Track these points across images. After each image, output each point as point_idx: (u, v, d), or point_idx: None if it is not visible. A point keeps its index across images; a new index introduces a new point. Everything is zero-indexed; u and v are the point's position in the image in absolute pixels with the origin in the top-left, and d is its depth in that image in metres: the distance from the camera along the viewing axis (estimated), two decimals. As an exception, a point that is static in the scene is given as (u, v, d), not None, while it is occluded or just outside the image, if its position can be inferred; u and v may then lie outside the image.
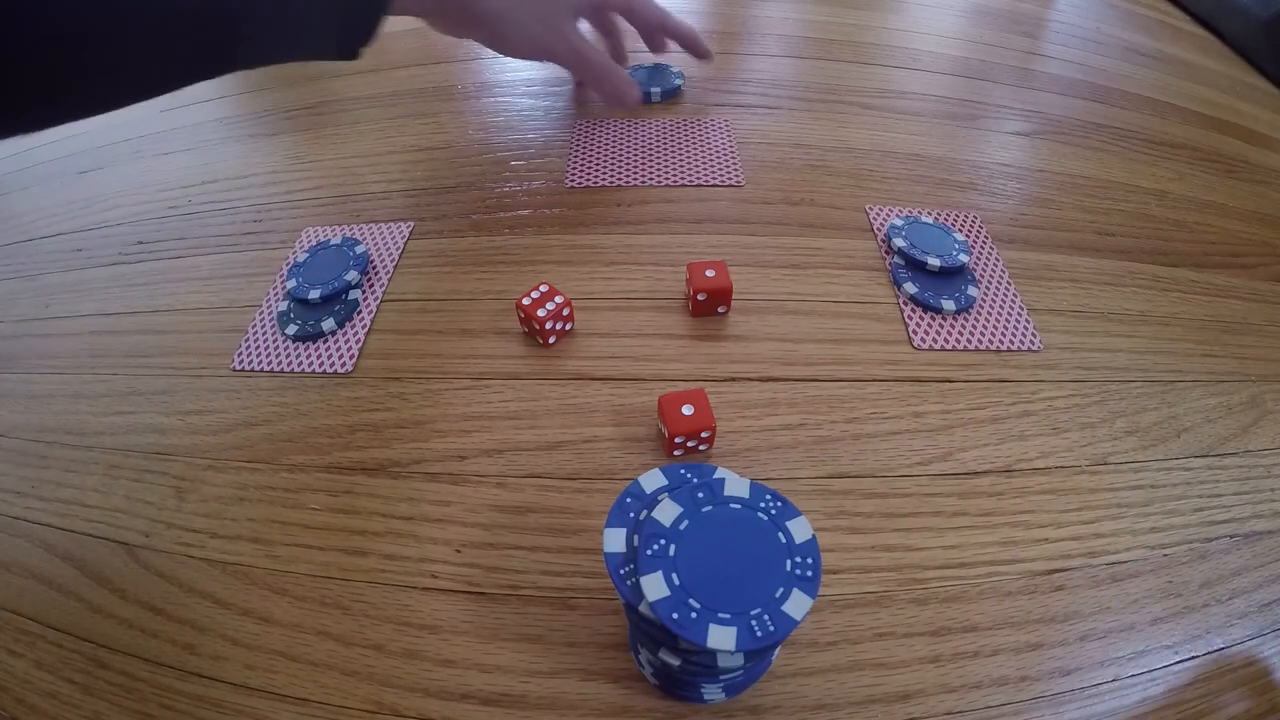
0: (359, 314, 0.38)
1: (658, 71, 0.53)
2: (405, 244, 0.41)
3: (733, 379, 0.34)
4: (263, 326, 0.37)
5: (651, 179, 0.45)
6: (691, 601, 0.19)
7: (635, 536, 0.21)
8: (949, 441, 0.32)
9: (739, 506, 0.21)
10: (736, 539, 0.21)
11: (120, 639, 0.27)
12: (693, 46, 0.50)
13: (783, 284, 0.38)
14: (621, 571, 0.20)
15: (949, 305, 0.37)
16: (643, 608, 0.20)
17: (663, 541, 0.20)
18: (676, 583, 0.20)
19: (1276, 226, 0.45)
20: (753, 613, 0.19)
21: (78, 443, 0.34)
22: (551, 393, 0.34)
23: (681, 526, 0.21)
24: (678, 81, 0.52)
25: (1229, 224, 0.45)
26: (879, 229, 0.42)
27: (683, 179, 0.45)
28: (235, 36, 0.29)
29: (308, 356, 0.36)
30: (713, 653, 0.19)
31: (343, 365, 0.35)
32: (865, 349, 0.36)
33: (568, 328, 0.36)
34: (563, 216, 0.43)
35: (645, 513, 0.21)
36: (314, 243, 0.41)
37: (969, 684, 0.25)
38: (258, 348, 0.36)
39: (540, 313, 0.34)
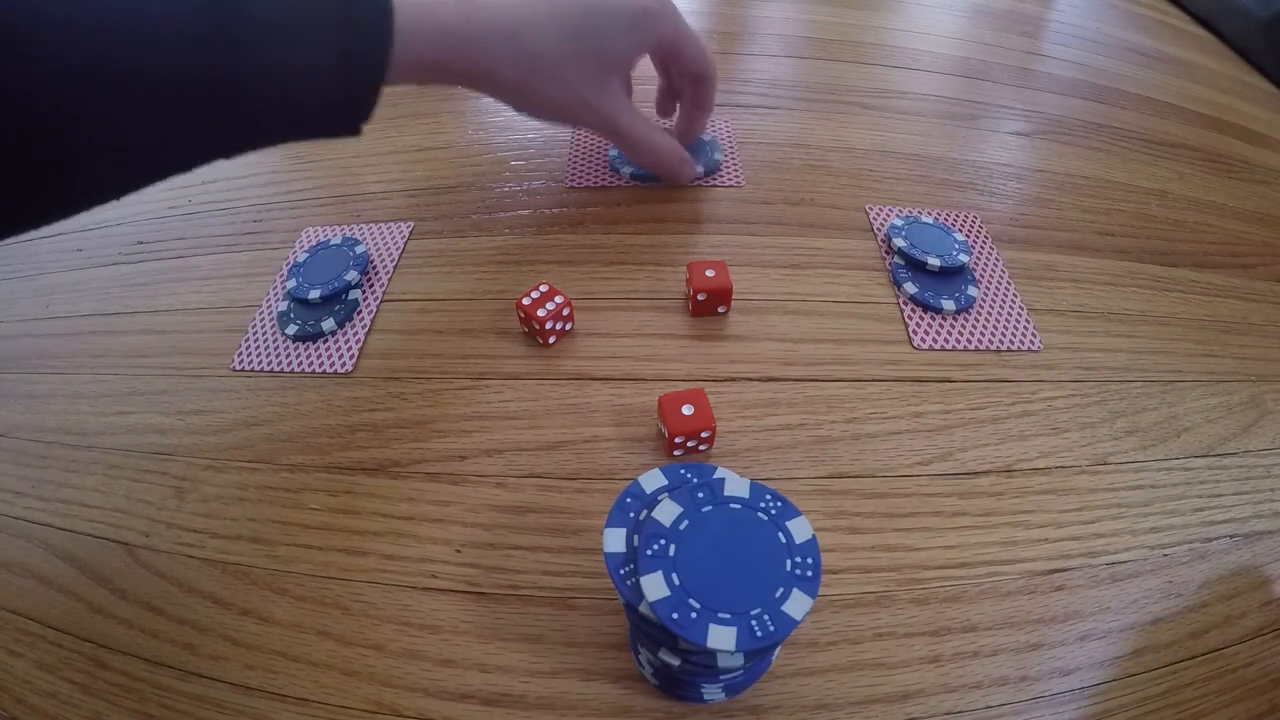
0: (359, 314, 0.38)
1: (696, 145, 0.45)
2: (405, 244, 0.41)
3: (733, 379, 0.34)
4: (263, 326, 0.37)
5: (651, 178, 0.45)
6: (691, 601, 0.19)
7: (635, 536, 0.21)
8: (949, 441, 0.32)
9: (739, 506, 0.21)
10: (736, 539, 0.21)
11: (120, 639, 0.27)
12: (686, 130, 0.43)
13: (783, 284, 0.38)
14: (621, 571, 0.20)
15: (949, 305, 0.37)
16: (643, 608, 0.20)
17: (663, 541, 0.20)
18: (676, 583, 0.20)
19: (1276, 226, 0.45)
20: (753, 613, 0.19)
21: (78, 443, 0.34)
22: (551, 393, 0.34)
23: (681, 526, 0.21)
24: (718, 156, 0.46)
25: (1229, 224, 0.45)
26: (879, 229, 0.42)
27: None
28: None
29: (308, 356, 0.36)
30: (713, 653, 0.19)
31: (343, 365, 0.35)
32: (865, 349, 0.35)
33: (568, 328, 0.36)
34: (563, 216, 0.43)
35: (645, 513, 0.21)
36: (314, 243, 0.41)
37: (969, 684, 0.25)
38: (258, 348, 0.36)
39: (540, 313, 0.34)
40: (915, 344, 0.36)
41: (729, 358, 0.35)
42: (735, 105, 0.51)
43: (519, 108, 0.37)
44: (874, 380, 0.34)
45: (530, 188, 0.45)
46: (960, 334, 0.36)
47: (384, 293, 0.39)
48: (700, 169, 0.44)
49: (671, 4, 0.37)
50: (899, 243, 0.39)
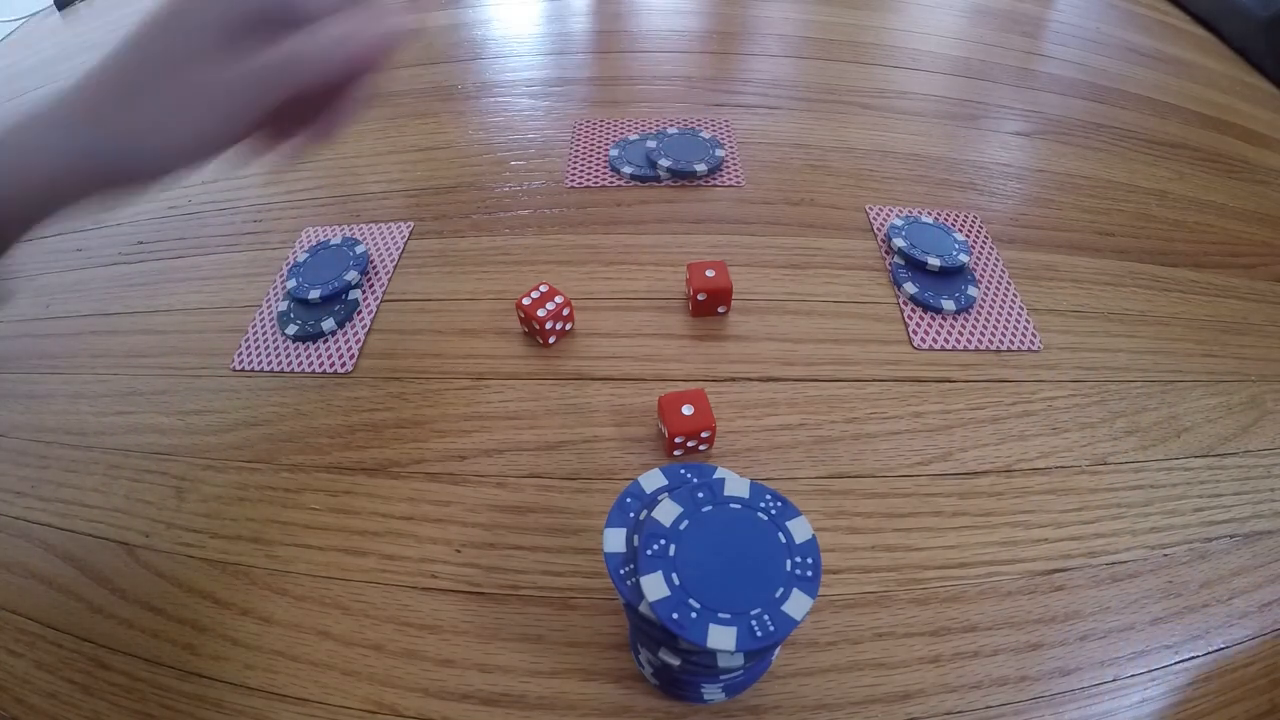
0: (359, 314, 0.38)
1: (692, 143, 0.45)
2: (405, 244, 0.41)
3: (733, 379, 0.34)
4: (263, 326, 0.37)
5: (652, 178, 0.45)
6: (691, 601, 0.19)
7: (635, 536, 0.21)
8: (949, 441, 0.32)
9: (739, 506, 0.21)
10: (736, 539, 0.21)
11: (120, 639, 0.27)
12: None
13: (783, 284, 0.38)
14: (621, 571, 0.20)
15: (949, 305, 0.37)
16: (643, 608, 0.20)
17: (663, 541, 0.20)
18: (676, 583, 0.20)
19: (1276, 226, 0.45)
20: (753, 613, 0.19)
21: (78, 443, 0.34)
22: (551, 393, 0.34)
23: (682, 526, 0.21)
24: (720, 153, 0.45)
25: (1229, 224, 0.45)
26: (879, 229, 0.42)
27: (682, 179, 0.45)
28: None
29: (308, 356, 0.36)
30: (713, 653, 0.19)
31: (343, 365, 0.35)
32: (865, 349, 0.35)
33: (568, 328, 0.36)
34: (563, 216, 0.43)
35: (645, 513, 0.21)
36: (314, 243, 0.41)
37: (969, 684, 0.25)
38: (258, 348, 0.36)
39: (540, 313, 0.34)
40: (915, 344, 0.36)
41: (729, 358, 0.35)
42: (735, 105, 0.51)
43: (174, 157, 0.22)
44: (874, 380, 0.34)
45: (530, 188, 0.45)
46: (960, 334, 0.36)
47: (384, 293, 0.39)
48: (702, 166, 0.44)
49: None
50: (899, 243, 0.39)
